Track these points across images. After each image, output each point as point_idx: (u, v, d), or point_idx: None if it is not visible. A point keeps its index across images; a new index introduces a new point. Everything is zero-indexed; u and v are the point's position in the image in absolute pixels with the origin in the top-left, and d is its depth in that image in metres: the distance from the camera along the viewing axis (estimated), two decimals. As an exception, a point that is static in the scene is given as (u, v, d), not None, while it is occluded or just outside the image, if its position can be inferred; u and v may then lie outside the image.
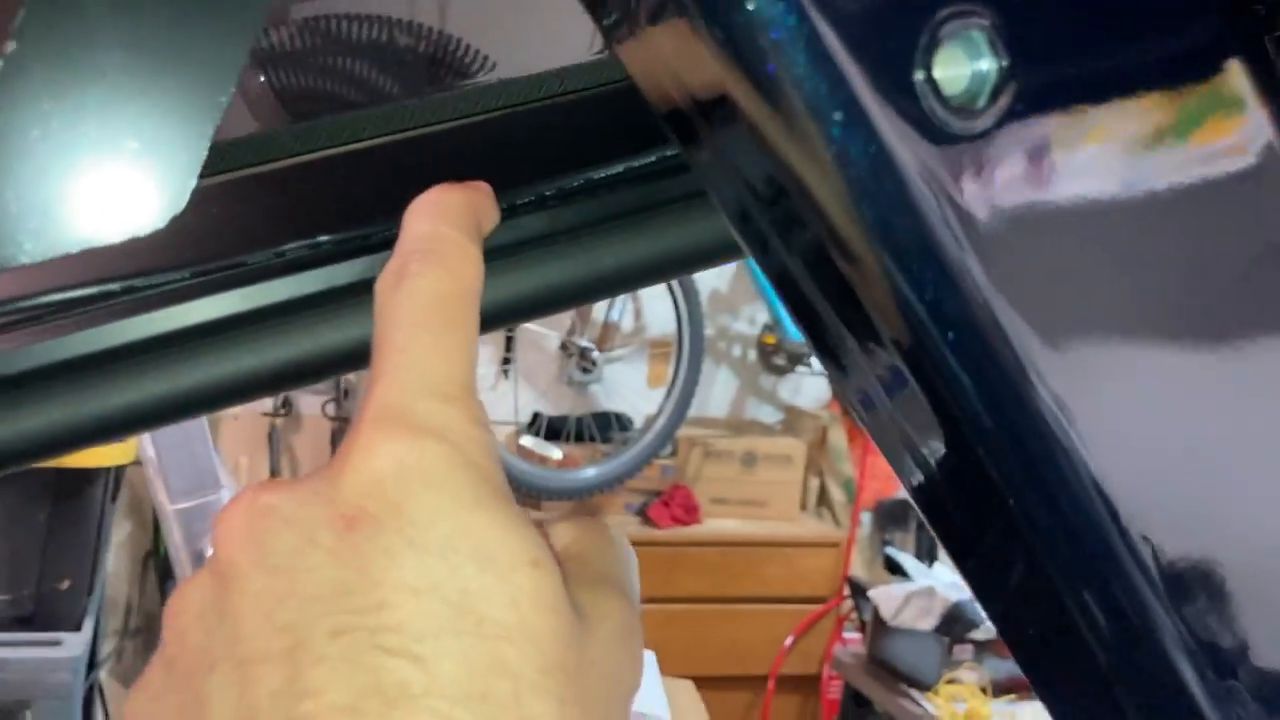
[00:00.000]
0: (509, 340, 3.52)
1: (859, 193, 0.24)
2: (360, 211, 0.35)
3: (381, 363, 0.29)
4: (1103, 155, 0.25)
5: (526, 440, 3.31)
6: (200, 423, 1.76)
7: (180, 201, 0.30)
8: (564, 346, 3.46)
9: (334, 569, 0.25)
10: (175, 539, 1.77)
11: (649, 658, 2.81)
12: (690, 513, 3.45)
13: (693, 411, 3.39)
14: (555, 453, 3.30)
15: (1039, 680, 0.30)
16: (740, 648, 3.46)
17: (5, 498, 2.31)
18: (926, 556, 4.43)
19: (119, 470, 2.60)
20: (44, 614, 2.36)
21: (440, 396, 0.28)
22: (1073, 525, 0.25)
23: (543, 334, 3.49)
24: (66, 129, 0.28)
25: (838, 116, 0.23)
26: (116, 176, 0.29)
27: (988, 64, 0.24)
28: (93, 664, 2.53)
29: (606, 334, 3.43)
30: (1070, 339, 0.26)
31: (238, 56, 0.30)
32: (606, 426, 3.49)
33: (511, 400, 3.47)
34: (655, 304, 3.54)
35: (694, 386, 3.32)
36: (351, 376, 3.39)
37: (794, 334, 3.62)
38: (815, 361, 3.68)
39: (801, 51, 0.22)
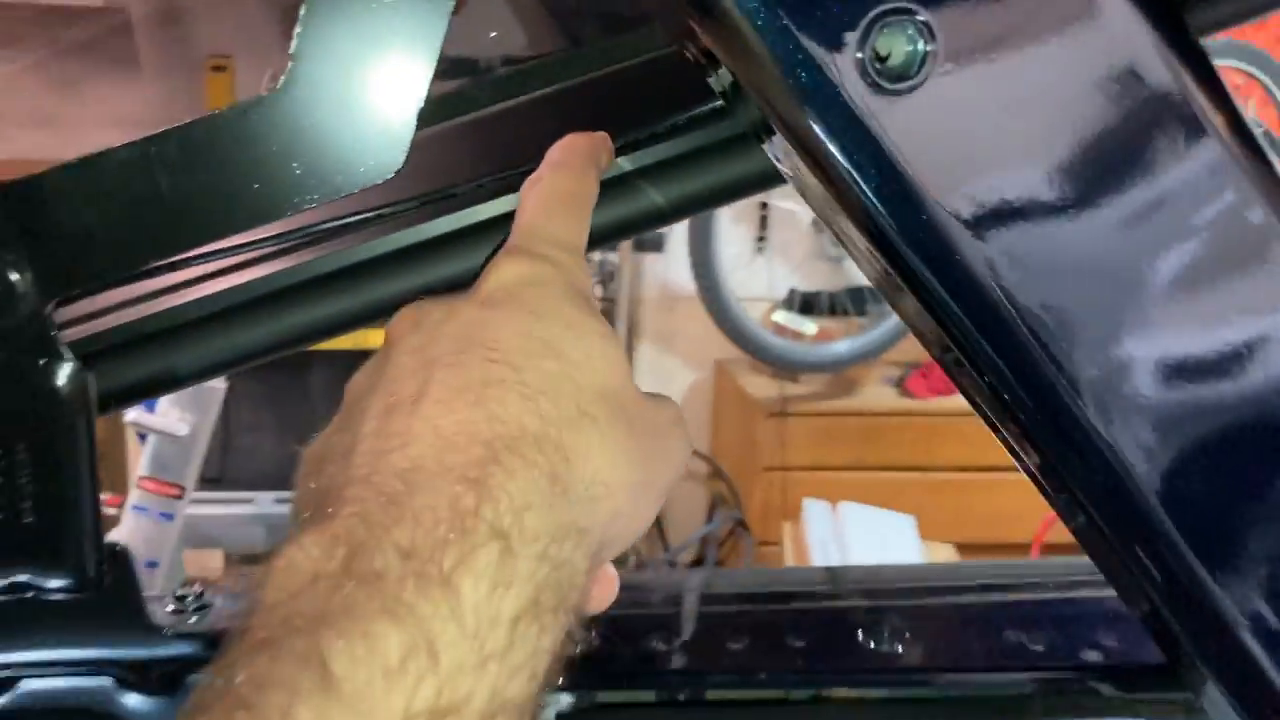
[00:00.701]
0: (763, 219, 3.62)
1: (828, 129, 0.35)
2: (521, 153, 0.48)
3: (515, 226, 0.43)
4: (1006, 88, 0.35)
5: (780, 315, 3.42)
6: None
7: (403, 155, 0.44)
8: (817, 223, 3.51)
9: (466, 326, 0.38)
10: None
11: (909, 521, 2.90)
12: (948, 384, 3.47)
13: (948, 283, 3.37)
14: (809, 327, 3.39)
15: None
16: (1002, 516, 3.47)
17: (320, 376, 2.65)
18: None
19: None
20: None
21: (552, 243, 0.42)
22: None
23: (796, 211, 3.55)
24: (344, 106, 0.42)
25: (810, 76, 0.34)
26: (372, 136, 0.43)
27: (919, 46, 0.34)
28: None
29: (859, 208, 3.45)
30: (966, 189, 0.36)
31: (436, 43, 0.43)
32: (861, 300, 3.54)
33: (765, 276, 3.58)
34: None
35: (948, 258, 3.30)
36: (614, 258, 3.60)
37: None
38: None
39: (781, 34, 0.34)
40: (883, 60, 0.34)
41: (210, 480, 2.57)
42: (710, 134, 0.51)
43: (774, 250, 3.63)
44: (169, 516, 1.87)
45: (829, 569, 0.64)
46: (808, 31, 0.33)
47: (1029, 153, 0.35)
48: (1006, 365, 0.39)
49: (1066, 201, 0.36)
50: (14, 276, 0.41)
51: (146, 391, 0.50)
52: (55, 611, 0.47)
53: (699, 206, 0.52)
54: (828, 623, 0.58)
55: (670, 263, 3.72)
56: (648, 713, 0.54)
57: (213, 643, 0.50)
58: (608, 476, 0.36)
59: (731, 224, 3.56)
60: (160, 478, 1.86)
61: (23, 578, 0.46)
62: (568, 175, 0.44)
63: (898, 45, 0.34)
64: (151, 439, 1.88)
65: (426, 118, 0.53)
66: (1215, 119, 0.37)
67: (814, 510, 2.90)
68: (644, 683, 0.54)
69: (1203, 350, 0.39)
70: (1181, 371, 0.39)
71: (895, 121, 0.34)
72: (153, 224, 0.41)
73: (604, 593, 0.40)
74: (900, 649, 0.56)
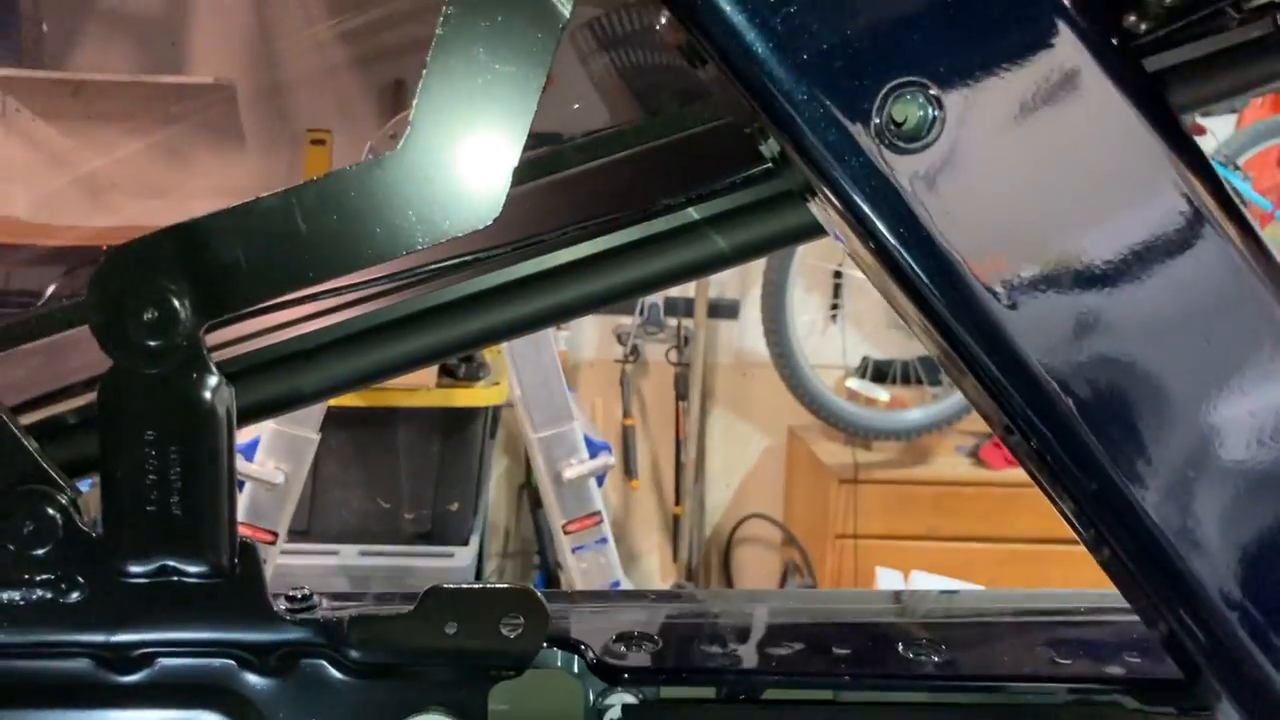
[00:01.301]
0: (836, 286, 3.68)
1: (862, 182, 0.42)
2: (601, 206, 0.56)
3: None
4: (1001, 145, 0.41)
5: (853, 383, 3.46)
6: (555, 364, 2.06)
7: (499, 207, 0.52)
8: (890, 292, 3.56)
9: None
10: (539, 463, 2.09)
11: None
12: (1022, 454, 3.46)
13: (1022, 353, 3.38)
14: (882, 395, 3.42)
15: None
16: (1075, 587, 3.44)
17: (406, 433, 2.75)
18: None
19: (495, 410, 3.02)
20: (439, 531, 2.80)
21: None
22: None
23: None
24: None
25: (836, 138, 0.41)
26: (473, 190, 0.51)
27: (930, 112, 0.41)
28: (478, 577, 2.97)
29: (932, 278, 3.49)
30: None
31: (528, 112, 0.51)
32: (934, 370, 3.56)
33: (839, 344, 3.63)
34: (983, 247, 3.55)
35: (1022, 328, 3.32)
36: (689, 324, 3.68)
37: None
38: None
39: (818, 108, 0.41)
40: (899, 125, 0.41)
41: (298, 532, 2.67)
42: (765, 190, 0.58)
43: (847, 318, 3.68)
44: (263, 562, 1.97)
45: (880, 592, 0.69)
46: (835, 101, 0.40)
47: (1029, 201, 0.42)
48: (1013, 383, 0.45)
49: (1058, 247, 0.42)
50: (176, 304, 0.50)
51: (278, 407, 0.58)
52: (193, 595, 0.55)
53: (756, 252, 0.59)
54: (871, 635, 0.64)
55: (745, 330, 3.79)
56: (709, 708, 0.60)
57: (325, 630, 0.57)
58: None
59: (805, 292, 3.63)
60: (256, 524, 1.96)
61: (170, 562, 0.54)
62: None
63: (911, 112, 0.41)
64: (249, 486, 1.98)
65: (521, 177, 0.61)
66: (1195, 183, 0.43)
67: (886, 579, 2.91)
68: (704, 681, 0.60)
69: (1225, 421, 0.46)
70: (1202, 442, 0.45)
71: (911, 175, 0.41)
72: (291, 260, 0.49)
73: None
74: (936, 659, 0.61)
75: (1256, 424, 0.47)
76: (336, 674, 0.58)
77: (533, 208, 0.62)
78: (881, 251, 0.44)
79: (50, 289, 1.20)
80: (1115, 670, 0.61)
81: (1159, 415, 0.46)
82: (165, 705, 0.57)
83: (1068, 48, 0.41)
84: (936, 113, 0.41)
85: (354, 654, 0.58)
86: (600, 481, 2.12)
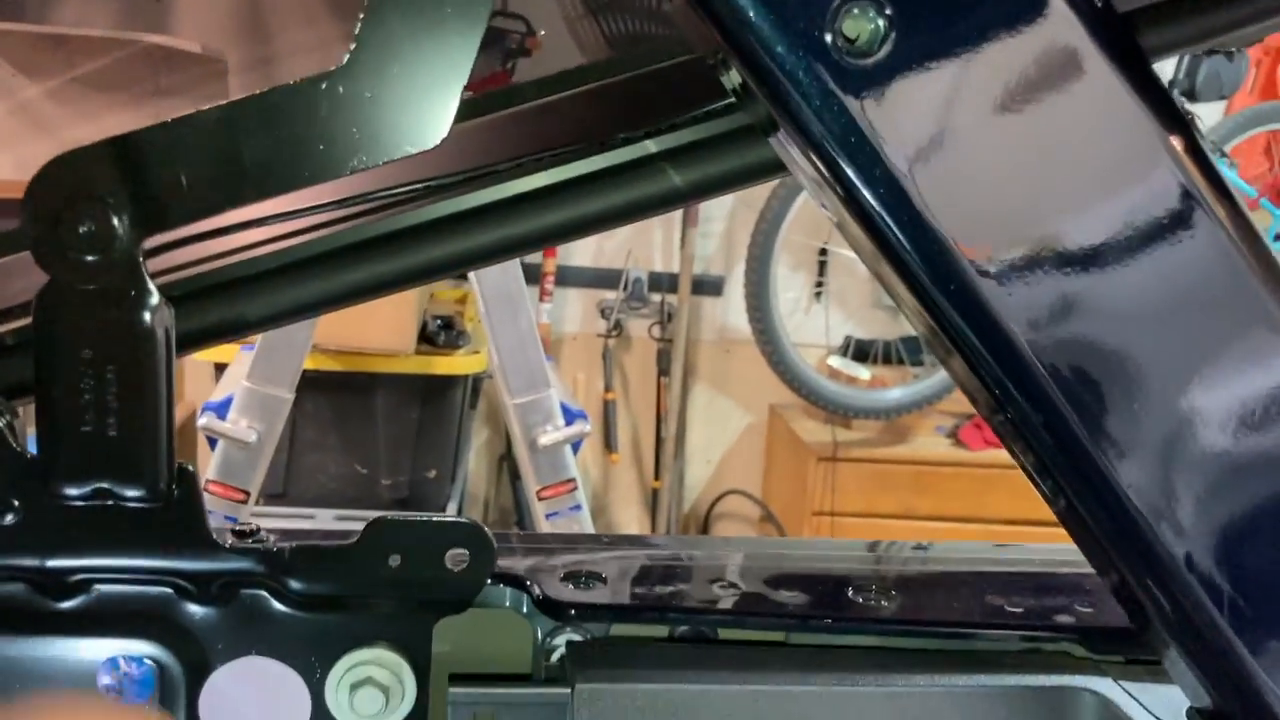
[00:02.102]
0: (821, 265, 3.67)
1: (812, 93, 0.41)
2: (558, 139, 0.55)
3: None
4: (955, 68, 0.40)
5: (834, 361, 3.46)
6: (533, 331, 2.05)
7: (446, 128, 0.50)
8: (875, 271, 3.55)
9: None
10: (515, 429, 2.08)
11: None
12: (1001, 435, 3.47)
13: (1004, 334, 3.39)
14: (863, 373, 3.43)
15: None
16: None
17: (385, 399, 2.74)
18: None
19: (476, 380, 3.01)
20: (416, 498, 2.80)
21: None
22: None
23: (855, 259, 3.60)
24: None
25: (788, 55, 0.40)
26: (419, 110, 0.50)
27: (879, 26, 0.40)
28: (455, 544, 2.97)
29: (916, 258, 3.49)
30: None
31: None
32: (916, 350, 3.57)
33: (822, 323, 3.63)
34: (968, 228, 3.55)
35: (1004, 309, 3.32)
36: (673, 299, 3.67)
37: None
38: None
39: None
40: (850, 41, 0.40)
41: (274, 496, 2.66)
42: (724, 125, 0.57)
43: (831, 297, 3.68)
44: (233, 520, 1.96)
45: (837, 541, 0.69)
46: (788, 16, 0.40)
47: (976, 121, 0.41)
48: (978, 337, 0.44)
49: (1006, 167, 0.42)
50: (113, 217, 0.49)
51: (223, 333, 0.57)
52: (130, 520, 0.54)
53: (711, 190, 0.58)
54: (824, 580, 0.63)
55: (728, 307, 3.79)
56: (658, 647, 0.59)
57: (266, 560, 0.56)
58: None
59: (790, 270, 3.62)
60: (227, 482, 1.95)
61: (104, 484, 0.53)
62: None
63: (862, 26, 0.40)
64: (221, 444, 1.97)
65: (478, 109, 0.60)
66: (1154, 120, 0.43)
67: (861, 554, 2.91)
68: (653, 619, 0.59)
69: (1191, 391, 0.45)
70: (1167, 410, 0.44)
71: (861, 90, 0.40)
72: (231, 175, 0.48)
73: None
74: (887, 605, 0.61)
75: (1224, 397, 0.46)
76: (278, 605, 0.57)
77: (489, 139, 0.61)
78: (835, 176, 0.43)
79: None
80: (1065, 619, 0.60)
81: (1129, 380, 0.45)
82: (102, 633, 0.57)
83: (1022, -35, 0.40)
84: (886, 27, 0.40)
85: (295, 585, 0.57)
86: (575, 449, 2.12)
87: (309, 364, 2.15)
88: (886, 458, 3.45)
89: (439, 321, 2.68)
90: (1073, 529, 0.51)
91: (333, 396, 2.69)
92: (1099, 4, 0.42)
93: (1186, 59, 3.43)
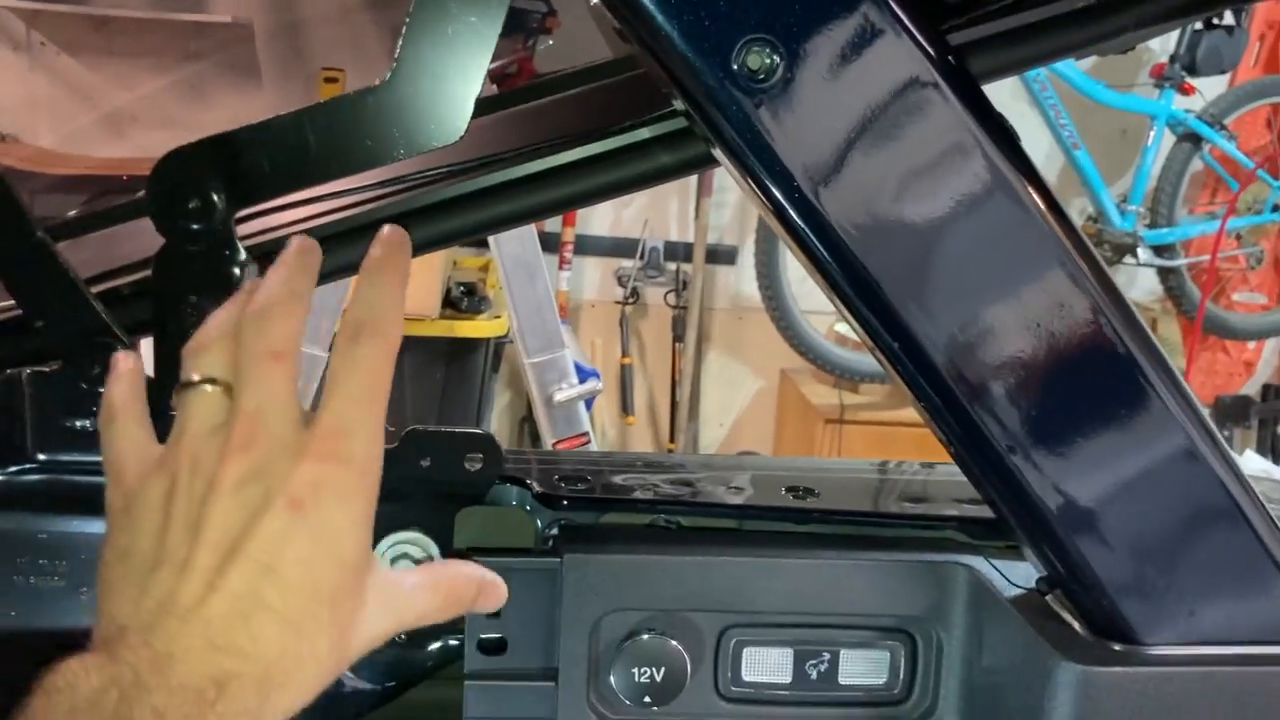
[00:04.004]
0: (829, 235, 3.80)
1: (724, 108, 0.56)
2: (558, 129, 0.70)
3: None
4: (830, 91, 0.56)
5: (841, 327, 3.60)
6: (549, 295, 2.21)
7: (464, 126, 0.66)
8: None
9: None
10: (532, 387, 2.25)
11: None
12: (1001, 399, 3.61)
13: (1004, 302, 3.51)
14: (869, 339, 3.56)
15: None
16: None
17: (412, 360, 2.91)
18: (1270, 453, 4.28)
19: (498, 343, 3.17)
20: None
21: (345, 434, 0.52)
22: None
23: (862, 229, 3.72)
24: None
25: (707, 82, 0.56)
26: (445, 111, 0.65)
27: (774, 60, 0.55)
28: (477, 499, 3.13)
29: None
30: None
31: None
32: (921, 316, 3.68)
33: (831, 291, 3.77)
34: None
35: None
36: (688, 268, 3.82)
37: (1119, 224, 3.64)
38: (1143, 252, 3.68)
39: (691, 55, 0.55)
40: (752, 70, 0.56)
41: (306, 451, 2.84)
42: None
43: (839, 266, 3.81)
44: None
45: (787, 459, 0.85)
46: (705, 51, 0.55)
47: (845, 129, 0.57)
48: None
49: (877, 175, 0.57)
50: (214, 196, 0.65)
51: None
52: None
53: (694, 167, 0.74)
54: (770, 483, 0.80)
55: (741, 275, 3.93)
56: (634, 530, 0.76)
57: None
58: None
59: (798, 239, 3.76)
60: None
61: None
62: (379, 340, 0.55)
63: (760, 60, 0.55)
64: (261, 399, 2.13)
65: (492, 107, 0.75)
66: (981, 133, 0.58)
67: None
68: (629, 508, 0.76)
69: (1018, 331, 0.61)
70: (1000, 349, 0.60)
71: (759, 109, 0.56)
72: (303, 163, 0.64)
73: None
74: (813, 501, 0.77)
75: (1039, 333, 0.62)
76: (335, 497, 0.74)
77: (501, 132, 0.77)
78: (746, 171, 0.58)
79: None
80: (951, 512, 0.76)
81: (971, 328, 0.61)
82: None
83: (879, 18, 0.56)
84: (778, 60, 0.55)
85: (349, 480, 0.73)
86: (589, 405, 2.28)
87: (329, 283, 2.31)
88: (890, 420, 3.59)
89: (462, 288, 2.85)
90: (954, 455, 0.67)
91: (362, 358, 2.85)
92: (936, 40, 0.57)
93: (1187, 34, 3.53)
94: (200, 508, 0.50)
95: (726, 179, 3.83)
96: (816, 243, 0.59)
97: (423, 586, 0.57)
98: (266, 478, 0.50)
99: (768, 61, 0.55)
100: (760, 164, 0.57)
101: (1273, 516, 0.65)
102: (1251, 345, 4.12)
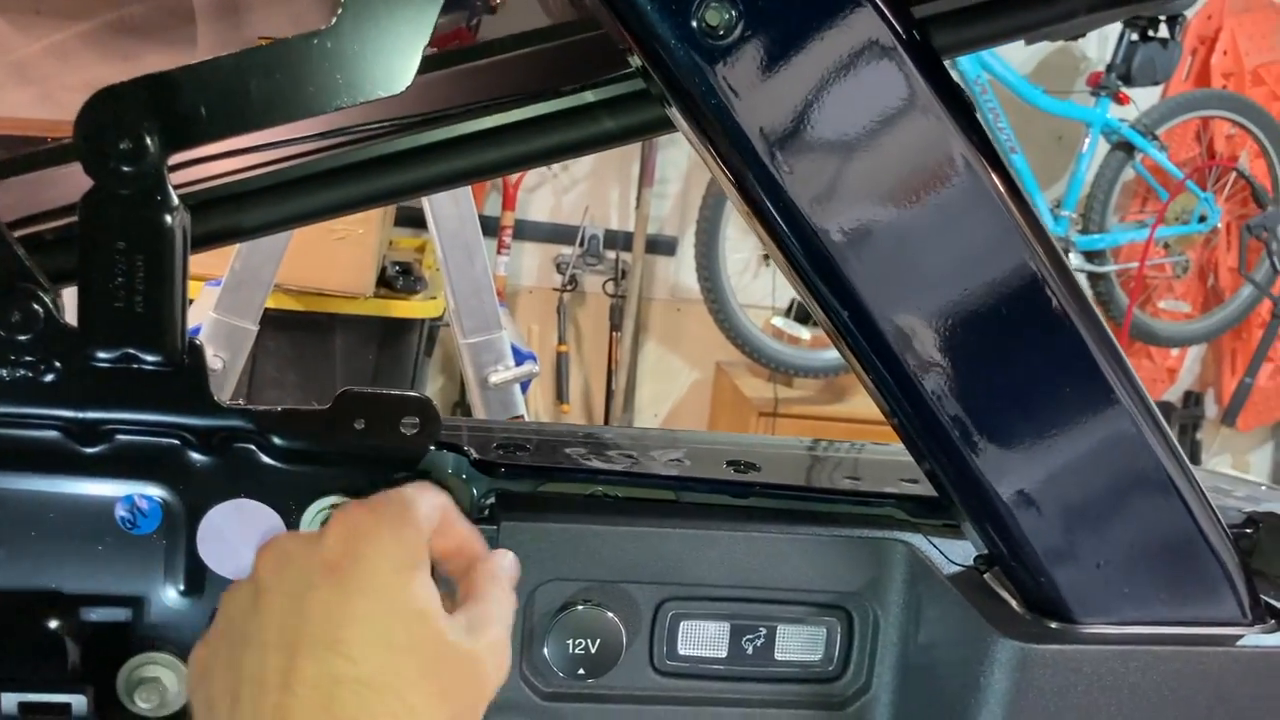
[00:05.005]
0: (769, 229, 3.81)
1: (682, 64, 0.55)
2: (508, 89, 0.69)
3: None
4: (789, 52, 0.55)
5: (778, 321, 3.62)
6: (487, 275, 2.18)
7: (410, 76, 0.64)
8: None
9: (323, 608, 0.52)
10: (467, 369, 2.22)
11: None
12: (933, 397, 3.66)
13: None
14: (804, 334, 3.59)
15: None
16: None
17: (343, 339, 2.86)
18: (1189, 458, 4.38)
19: (432, 325, 3.13)
20: (372, 436, 2.92)
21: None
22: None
23: (802, 225, 3.74)
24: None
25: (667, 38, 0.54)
26: (390, 60, 0.63)
27: (731, 16, 0.54)
28: (408, 482, 3.10)
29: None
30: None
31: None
32: (856, 313, 3.71)
33: (769, 285, 3.78)
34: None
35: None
36: (627, 257, 3.81)
37: (1052, 229, 3.69)
38: (1074, 258, 3.75)
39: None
40: (711, 26, 0.54)
41: (234, 428, 2.77)
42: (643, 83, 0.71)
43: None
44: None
45: (725, 434, 0.84)
46: (665, 12, 0.54)
47: (802, 86, 0.56)
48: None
49: (831, 132, 0.56)
50: (146, 138, 0.62)
51: (223, 237, 0.71)
52: (149, 381, 0.67)
53: (639, 134, 0.73)
54: (709, 456, 0.79)
55: (680, 266, 3.93)
56: (571, 499, 0.74)
57: (256, 420, 0.70)
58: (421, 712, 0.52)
59: (740, 233, 3.77)
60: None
61: (131, 350, 0.66)
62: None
63: (720, 16, 0.54)
64: (188, 371, 2.08)
65: (441, 64, 0.73)
66: (937, 100, 0.57)
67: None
68: (566, 478, 0.74)
69: (967, 310, 0.60)
70: (953, 329, 0.60)
71: (718, 64, 0.55)
72: (241, 107, 0.61)
73: None
74: (753, 475, 0.76)
75: (990, 309, 0.61)
76: (264, 458, 0.71)
77: (450, 88, 0.74)
78: (701, 128, 0.57)
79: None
80: (891, 490, 0.76)
81: (922, 300, 0.60)
82: (121, 476, 0.70)
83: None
84: (736, 17, 0.54)
85: (279, 441, 0.71)
86: (524, 388, 2.25)
87: (270, 303, 2.26)
88: (823, 415, 3.62)
89: (397, 267, 2.80)
90: (898, 431, 0.67)
91: (293, 335, 2.80)
92: (899, 10, 0.56)
93: (1124, 45, 3.59)
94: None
95: (669, 169, 3.83)
96: (770, 207, 0.58)
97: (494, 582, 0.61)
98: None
99: (726, 17, 0.54)
100: (717, 123, 0.56)
101: (1211, 502, 0.66)
102: (1175, 352, 4.22)
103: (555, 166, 3.75)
